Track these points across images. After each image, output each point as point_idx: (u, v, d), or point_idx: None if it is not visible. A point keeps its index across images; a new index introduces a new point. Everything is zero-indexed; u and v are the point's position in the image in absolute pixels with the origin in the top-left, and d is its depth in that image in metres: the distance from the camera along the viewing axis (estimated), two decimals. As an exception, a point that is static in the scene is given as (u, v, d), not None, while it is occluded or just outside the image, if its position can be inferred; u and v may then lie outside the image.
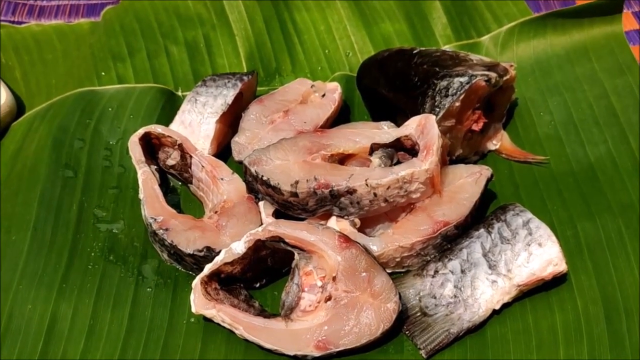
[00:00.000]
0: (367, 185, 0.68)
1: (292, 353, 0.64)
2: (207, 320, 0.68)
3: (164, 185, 0.79)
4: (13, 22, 1.05)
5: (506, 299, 0.67)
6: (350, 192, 0.69)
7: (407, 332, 0.67)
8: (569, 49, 0.91)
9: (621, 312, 0.66)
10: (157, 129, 0.79)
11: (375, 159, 0.72)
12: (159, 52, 0.97)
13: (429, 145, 0.70)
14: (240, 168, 0.75)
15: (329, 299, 0.65)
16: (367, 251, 0.67)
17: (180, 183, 0.82)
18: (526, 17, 0.97)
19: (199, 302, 0.66)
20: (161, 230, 0.71)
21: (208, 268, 0.67)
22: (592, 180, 0.78)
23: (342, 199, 0.69)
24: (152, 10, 1.01)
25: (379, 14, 1.01)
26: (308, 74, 0.96)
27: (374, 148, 0.73)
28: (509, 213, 0.70)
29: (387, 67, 0.83)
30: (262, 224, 0.72)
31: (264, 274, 0.71)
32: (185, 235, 0.71)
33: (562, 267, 0.67)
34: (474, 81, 0.74)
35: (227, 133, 0.84)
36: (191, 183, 0.80)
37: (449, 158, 0.77)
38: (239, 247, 0.67)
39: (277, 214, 0.73)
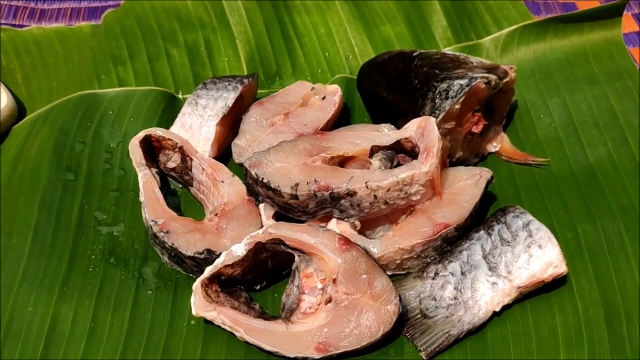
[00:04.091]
0: (367, 187, 0.68)
1: (292, 355, 0.64)
2: (208, 322, 0.68)
3: (165, 187, 0.79)
4: (14, 25, 1.05)
5: (506, 300, 0.67)
6: (351, 194, 0.69)
7: (407, 334, 0.67)
8: (569, 52, 0.91)
9: (621, 315, 0.66)
10: (158, 131, 0.79)
11: (376, 162, 0.72)
12: (160, 55, 0.97)
13: (429, 147, 0.70)
14: (240, 170, 0.75)
15: (329, 301, 0.65)
16: (367, 253, 0.67)
17: (180, 186, 0.82)
18: (526, 19, 0.97)
19: (199, 304, 0.66)
20: (162, 233, 0.71)
21: (208, 270, 0.67)
22: (592, 183, 0.78)
23: (342, 201, 0.69)
24: (153, 13, 1.01)
25: (379, 17, 1.01)
26: (308, 77, 0.96)
27: (374, 150, 0.73)
28: (509, 215, 0.70)
29: (388, 69, 0.83)
30: (262, 226, 0.72)
31: (264, 276, 0.71)
32: (186, 238, 0.71)
33: (562, 269, 0.67)
34: (474, 83, 0.74)
35: (228, 136, 0.84)
36: (191, 186, 0.80)
37: (449, 160, 0.77)
38: (240, 250, 0.67)
39: (278, 217, 0.73)
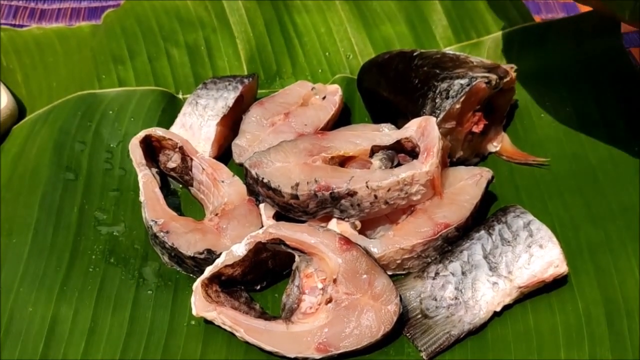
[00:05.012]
0: (367, 187, 0.68)
1: (292, 355, 0.64)
2: (208, 322, 0.68)
3: (165, 187, 0.79)
4: (14, 25, 1.05)
5: (507, 300, 0.67)
6: (351, 194, 0.69)
7: (408, 334, 0.67)
8: (569, 51, 0.91)
9: (622, 313, 0.66)
10: (158, 131, 0.79)
11: (376, 161, 0.72)
12: (160, 54, 0.97)
13: (430, 147, 0.70)
14: (240, 170, 0.75)
15: (329, 301, 0.65)
16: (367, 253, 0.67)
17: (180, 186, 0.82)
18: (526, 19, 0.97)
19: (199, 304, 0.66)
20: (162, 233, 0.71)
21: (209, 270, 0.67)
22: (592, 182, 0.78)
23: (343, 201, 0.69)
24: (153, 13, 1.01)
25: (379, 16, 1.01)
26: (308, 77, 0.96)
27: (374, 150, 0.73)
28: (510, 215, 0.70)
29: (388, 69, 0.83)
30: (262, 226, 0.72)
31: (264, 276, 0.71)
32: (186, 238, 0.71)
33: (563, 268, 0.67)
34: (474, 83, 0.74)
35: (228, 135, 0.84)
36: (192, 185, 0.80)
37: (449, 160, 0.77)
38: (240, 250, 0.67)
39: (278, 217, 0.73)
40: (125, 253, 0.75)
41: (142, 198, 0.75)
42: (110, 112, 0.88)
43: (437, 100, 0.75)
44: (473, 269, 0.68)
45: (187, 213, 0.79)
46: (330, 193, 0.69)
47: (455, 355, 0.66)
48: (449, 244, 0.70)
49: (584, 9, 0.98)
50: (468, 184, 0.73)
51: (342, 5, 1.02)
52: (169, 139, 0.79)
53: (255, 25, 1.00)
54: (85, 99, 0.89)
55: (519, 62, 0.86)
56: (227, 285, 0.69)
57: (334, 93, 0.84)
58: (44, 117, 0.87)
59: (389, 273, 0.69)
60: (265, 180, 0.70)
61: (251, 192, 0.74)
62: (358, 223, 0.71)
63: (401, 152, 0.73)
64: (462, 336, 0.66)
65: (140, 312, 0.70)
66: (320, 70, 0.97)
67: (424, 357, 0.65)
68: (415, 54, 0.82)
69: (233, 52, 0.98)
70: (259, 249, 0.68)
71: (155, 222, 0.72)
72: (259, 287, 0.71)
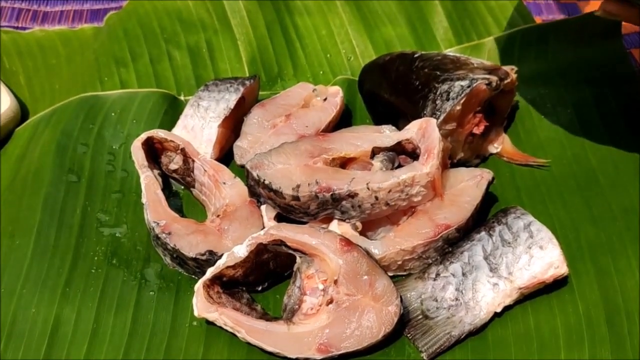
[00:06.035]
0: (368, 188, 0.69)
1: (294, 356, 0.64)
2: (210, 323, 0.68)
3: (167, 189, 0.80)
4: (17, 27, 1.06)
5: (507, 301, 0.67)
6: (352, 195, 0.69)
7: (408, 335, 0.67)
8: (570, 53, 0.91)
9: (622, 315, 0.66)
10: (160, 133, 0.79)
11: (377, 163, 0.72)
12: (162, 57, 0.98)
13: (430, 148, 0.70)
14: (242, 172, 0.75)
15: (330, 302, 0.66)
16: (368, 254, 0.67)
17: (182, 187, 0.82)
18: (527, 21, 0.97)
19: (201, 305, 0.67)
20: (164, 234, 0.72)
21: (210, 272, 0.68)
22: (593, 183, 0.78)
23: (344, 202, 0.69)
24: (155, 15, 1.01)
25: (380, 18, 1.01)
26: (310, 78, 0.96)
27: (375, 152, 0.73)
28: (510, 216, 0.70)
29: (389, 71, 0.83)
30: (264, 227, 0.72)
31: (266, 278, 0.71)
32: (188, 239, 0.71)
33: (563, 269, 0.67)
34: (474, 85, 0.75)
35: (230, 137, 0.84)
36: (193, 187, 0.80)
37: (450, 161, 0.77)
38: (241, 251, 0.67)
39: (279, 218, 0.73)
40: (128, 254, 0.75)
41: (144, 200, 0.75)
42: (113, 114, 0.88)
43: (437, 102, 0.75)
44: (473, 270, 0.68)
45: (189, 214, 0.79)
46: (331, 194, 0.69)
47: (455, 356, 0.66)
48: (449, 245, 0.71)
49: (585, 10, 0.98)
50: (469, 185, 0.73)
51: (343, 7, 1.02)
52: (171, 141, 0.79)
53: (256, 27, 1.01)
54: (87, 101, 0.89)
55: (519, 64, 0.86)
56: (229, 286, 0.69)
57: (335, 95, 0.85)
58: (47, 119, 0.88)
59: (390, 274, 0.69)
60: (266, 182, 0.71)
61: (252, 193, 0.74)
62: (359, 224, 0.71)
63: (402, 153, 0.73)
64: (462, 337, 0.66)
65: (143, 313, 0.70)
66: (321, 72, 0.97)
67: (425, 357, 0.65)
68: (416, 55, 0.82)
69: (234, 54, 0.98)
70: (260, 250, 0.68)
71: (158, 223, 0.72)
72: (260, 288, 0.72)
